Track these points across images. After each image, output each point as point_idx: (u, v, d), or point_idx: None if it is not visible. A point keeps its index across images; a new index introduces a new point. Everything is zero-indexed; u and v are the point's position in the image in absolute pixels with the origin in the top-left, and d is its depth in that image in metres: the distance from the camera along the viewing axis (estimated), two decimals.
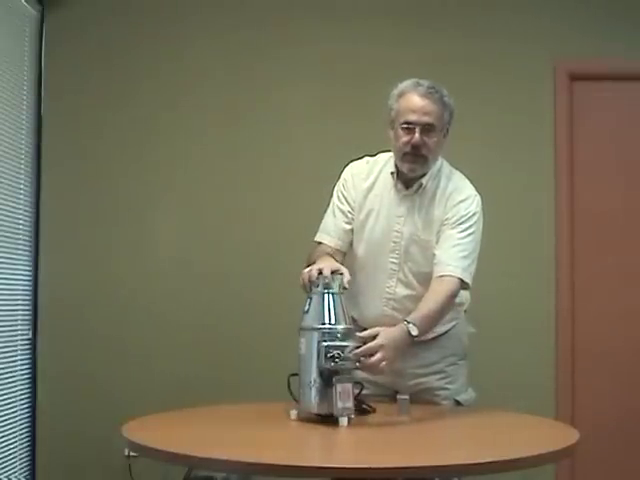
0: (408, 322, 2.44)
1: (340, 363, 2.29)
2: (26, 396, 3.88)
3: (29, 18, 3.95)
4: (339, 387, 2.26)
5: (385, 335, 2.38)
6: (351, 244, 2.76)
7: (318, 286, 2.40)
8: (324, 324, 2.36)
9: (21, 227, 3.88)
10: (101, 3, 4.08)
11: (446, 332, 2.76)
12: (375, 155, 2.80)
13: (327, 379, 2.29)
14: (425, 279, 2.62)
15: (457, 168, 2.78)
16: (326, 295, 2.40)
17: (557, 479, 3.83)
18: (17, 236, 3.84)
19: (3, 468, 3.61)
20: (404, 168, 2.65)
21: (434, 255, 2.62)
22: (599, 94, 4.07)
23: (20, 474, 3.81)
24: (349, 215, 2.74)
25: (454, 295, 2.59)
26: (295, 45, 4.04)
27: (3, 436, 3.64)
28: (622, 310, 4.02)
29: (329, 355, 2.29)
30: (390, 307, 2.68)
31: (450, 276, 2.57)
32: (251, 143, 4.02)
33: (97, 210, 4.03)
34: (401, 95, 2.62)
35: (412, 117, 2.58)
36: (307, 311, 2.40)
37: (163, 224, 4.03)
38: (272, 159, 4.02)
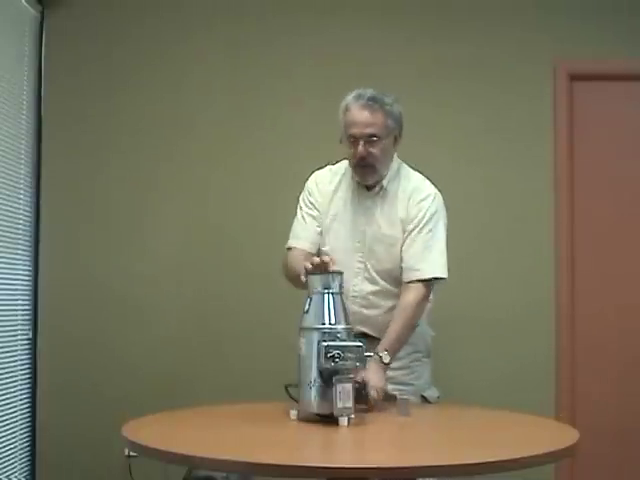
0: (379, 354, 2.60)
1: (340, 363, 2.29)
2: (26, 396, 3.88)
3: (29, 18, 3.95)
4: (339, 387, 2.26)
5: (368, 377, 2.51)
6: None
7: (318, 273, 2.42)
8: (324, 324, 2.37)
9: (21, 227, 3.88)
10: (101, 3, 4.08)
11: None
12: (336, 163, 2.92)
13: (327, 379, 2.30)
14: (389, 275, 2.77)
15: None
16: (326, 295, 2.40)
17: (557, 479, 3.83)
18: (17, 236, 3.84)
19: (3, 468, 3.61)
20: (356, 178, 2.80)
21: (401, 259, 2.74)
22: (599, 94, 4.07)
23: (20, 474, 3.81)
24: (319, 220, 2.86)
25: (422, 300, 2.72)
26: (296, 46, 4.04)
27: (3, 436, 3.64)
28: (623, 311, 4.02)
29: (329, 355, 2.29)
30: (358, 305, 2.77)
31: (417, 281, 2.71)
32: (252, 145, 4.02)
33: (97, 210, 4.03)
34: (345, 109, 2.74)
35: (354, 130, 2.70)
36: (307, 311, 2.41)
37: (163, 224, 4.03)
38: (273, 161, 4.02)
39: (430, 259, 2.73)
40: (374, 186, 2.80)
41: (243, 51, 4.05)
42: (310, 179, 2.93)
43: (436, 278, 2.74)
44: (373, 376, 2.53)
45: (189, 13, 4.07)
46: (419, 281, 2.71)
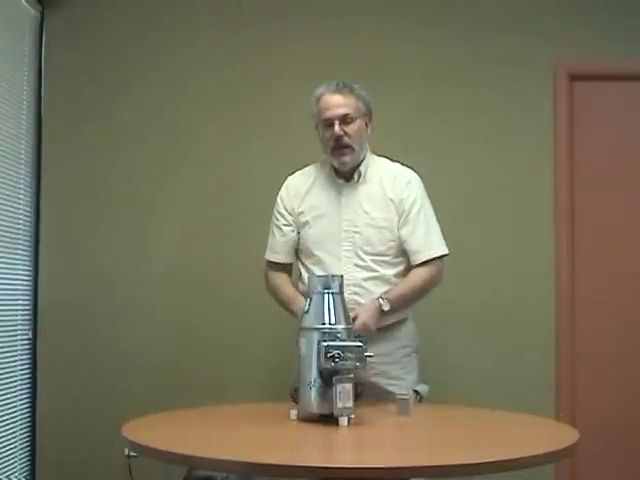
0: (380, 299, 2.72)
1: (340, 363, 2.30)
2: (26, 396, 3.88)
3: (29, 18, 3.95)
4: (339, 387, 2.27)
5: (358, 312, 2.66)
6: (297, 250, 2.95)
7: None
8: (324, 324, 2.37)
9: (21, 227, 3.88)
10: (101, 3, 4.07)
11: (399, 322, 2.88)
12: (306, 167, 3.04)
13: (327, 379, 2.30)
14: (383, 260, 2.84)
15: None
16: (326, 295, 2.41)
17: (557, 479, 3.83)
18: (17, 236, 3.83)
19: (3, 468, 3.61)
20: (336, 163, 2.88)
21: (405, 242, 2.83)
22: (599, 94, 4.07)
23: (20, 474, 3.81)
24: (286, 228, 2.95)
25: (435, 275, 2.86)
26: (296, 45, 4.03)
27: (3, 436, 3.64)
28: (623, 311, 4.01)
29: (329, 355, 2.30)
30: (350, 292, 2.75)
31: (427, 261, 2.84)
32: (255, 146, 4.01)
33: (97, 211, 4.03)
34: (317, 99, 2.85)
35: (328, 113, 2.81)
36: (307, 311, 2.42)
37: (163, 225, 4.03)
38: (276, 162, 3.99)
39: (433, 239, 2.87)
40: (352, 176, 2.87)
41: (244, 52, 4.04)
42: (282, 188, 3.03)
43: (442, 256, 2.87)
44: (364, 313, 2.65)
45: (191, 14, 4.06)
46: (429, 260, 2.84)
